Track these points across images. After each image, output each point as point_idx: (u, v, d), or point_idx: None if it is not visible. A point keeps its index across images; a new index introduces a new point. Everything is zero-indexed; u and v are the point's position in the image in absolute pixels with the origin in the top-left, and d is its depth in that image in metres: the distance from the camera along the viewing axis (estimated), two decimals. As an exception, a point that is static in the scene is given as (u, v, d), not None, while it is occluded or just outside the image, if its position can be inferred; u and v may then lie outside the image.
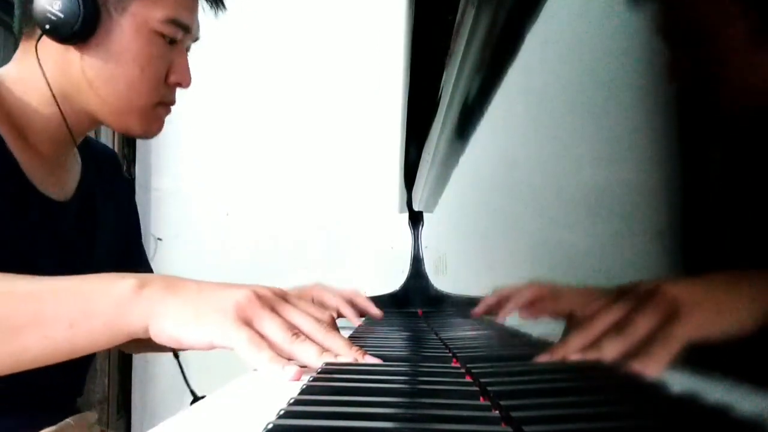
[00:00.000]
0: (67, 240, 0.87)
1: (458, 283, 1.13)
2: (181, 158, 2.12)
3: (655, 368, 0.31)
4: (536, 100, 0.61)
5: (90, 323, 0.57)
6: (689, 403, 0.28)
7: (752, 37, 0.24)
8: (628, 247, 0.38)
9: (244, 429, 0.39)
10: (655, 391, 0.31)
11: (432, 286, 1.30)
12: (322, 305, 0.98)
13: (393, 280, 1.33)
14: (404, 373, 0.52)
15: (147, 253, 1.16)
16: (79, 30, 0.78)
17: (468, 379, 0.48)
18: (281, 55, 2.09)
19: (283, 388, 0.48)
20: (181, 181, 2.13)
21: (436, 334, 0.82)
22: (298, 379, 0.52)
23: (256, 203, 2.10)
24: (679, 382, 0.29)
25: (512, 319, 0.73)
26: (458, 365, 0.55)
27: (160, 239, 2.10)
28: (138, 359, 2.07)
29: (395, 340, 0.81)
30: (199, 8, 0.89)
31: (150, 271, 1.14)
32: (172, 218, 2.12)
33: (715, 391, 0.26)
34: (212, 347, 0.57)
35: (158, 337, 0.57)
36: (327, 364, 0.53)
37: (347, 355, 0.56)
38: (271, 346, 0.55)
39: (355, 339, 0.76)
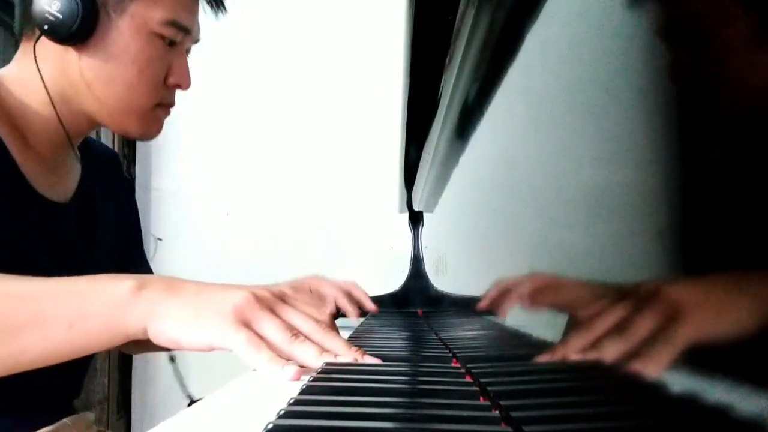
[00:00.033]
0: (66, 241, 0.86)
1: (458, 283, 1.13)
2: (181, 158, 2.12)
3: (655, 369, 0.31)
4: (536, 101, 0.61)
5: (89, 324, 0.57)
6: (689, 403, 0.28)
7: (752, 37, 0.24)
8: (628, 247, 0.38)
9: (244, 429, 0.39)
10: (655, 391, 0.31)
11: (432, 286, 1.30)
12: (319, 296, 0.98)
13: (393, 280, 1.32)
14: (404, 373, 0.52)
15: (147, 253, 1.16)
16: (78, 31, 0.78)
17: (468, 379, 0.48)
18: (281, 56, 2.09)
19: (282, 388, 0.48)
20: (181, 181, 2.13)
21: (436, 334, 0.82)
22: (298, 379, 0.52)
23: (256, 203, 2.10)
24: (679, 382, 0.29)
25: (512, 319, 0.73)
26: (458, 365, 0.55)
27: (160, 239, 2.10)
28: (138, 359, 2.07)
29: (395, 340, 0.81)
30: (200, 10, 0.89)
31: (150, 271, 1.14)
32: (172, 218, 2.12)
33: (715, 391, 0.26)
34: (211, 349, 0.57)
35: (157, 339, 0.57)
36: (327, 364, 0.53)
37: (346, 355, 0.56)
38: (271, 347, 0.55)
39: (355, 339, 0.76)
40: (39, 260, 0.81)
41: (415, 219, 1.39)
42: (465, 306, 1.04)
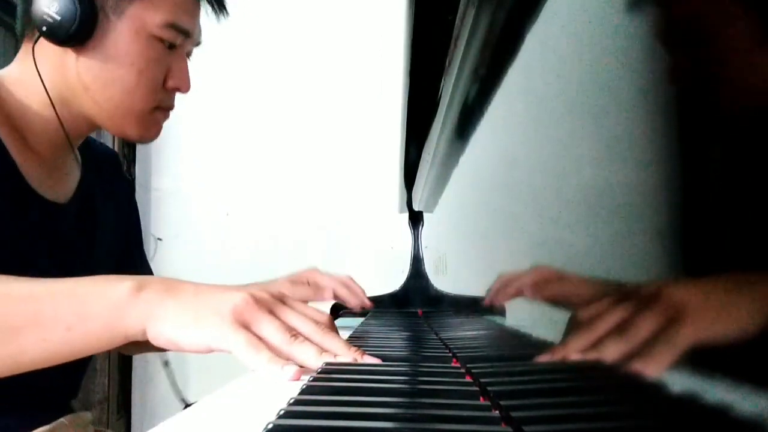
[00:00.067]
0: (66, 242, 0.86)
1: (458, 283, 1.13)
2: (181, 158, 2.12)
3: (655, 370, 0.31)
4: (536, 101, 0.61)
5: (87, 325, 0.57)
6: (689, 403, 0.28)
7: (752, 37, 0.24)
8: (628, 247, 0.38)
9: (244, 429, 0.39)
10: (655, 391, 0.31)
11: (432, 286, 1.30)
12: (317, 288, 0.99)
13: (393, 280, 1.32)
14: (404, 373, 0.52)
15: (147, 253, 1.16)
16: (76, 33, 0.77)
17: (468, 379, 0.48)
18: (281, 56, 2.09)
19: (282, 388, 0.48)
20: (181, 181, 2.13)
21: (436, 334, 0.82)
22: (298, 379, 0.52)
23: (256, 203, 2.10)
24: (679, 382, 0.29)
25: (512, 319, 0.73)
26: (458, 365, 0.55)
27: (160, 239, 2.10)
28: (138, 359, 2.07)
29: (395, 340, 0.81)
30: (202, 12, 0.88)
31: (150, 271, 1.14)
32: (172, 218, 2.12)
33: (715, 391, 0.26)
34: (210, 351, 0.57)
35: (156, 340, 0.57)
36: (327, 364, 0.53)
37: (346, 355, 0.56)
38: (270, 348, 0.55)
39: (355, 339, 0.76)
40: (39, 261, 0.81)
41: (415, 219, 1.39)
42: (465, 306, 1.05)
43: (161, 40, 0.82)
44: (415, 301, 1.29)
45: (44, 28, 0.77)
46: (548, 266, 0.57)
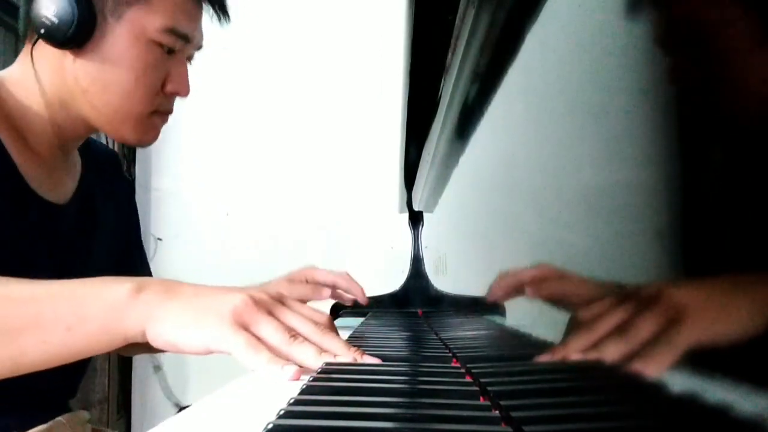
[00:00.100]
0: (65, 242, 0.86)
1: (458, 283, 1.13)
2: (181, 158, 2.12)
3: (655, 371, 0.31)
4: (536, 101, 0.61)
5: (87, 327, 0.57)
6: (689, 403, 0.28)
7: (752, 37, 0.24)
8: (628, 247, 0.38)
9: (244, 429, 0.39)
10: (655, 391, 0.31)
11: (432, 286, 1.30)
12: (315, 284, 0.99)
13: (393, 280, 1.32)
14: (404, 373, 0.52)
15: (147, 253, 1.16)
16: (73, 35, 0.77)
17: (468, 379, 0.48)
18: (281, 55, 2.09)
19: (282, 388, 0.48)
20: (181, 181, 2.13)
21: (436, 334, 0.82)
22: (297, 379, 0.52)
23: (256, 203, 2.10)
24: (679, 382, 0.29)
25: (512, 319, 0.73)
26: (458, 365, 0.55)
27: (160, 239, 2.10)
28: (138, 359, 2.07)
29: (395, 340, 0.81)
30: (205, 16, 0.88)
31: (149, 272, 1.14)
32: (172, 218, 2.12)
33: (715, 391, 0.26)
34: (209, 352, 0.57)
35: (155, 342, 0.57)
36: (327, 364, 0.53)
37: (346, 355, 0.56)
38: (269, 348, 0.55)
39: (355, 339, 0.76)
40: (38, 262, 0.81)
41: (415, 219, 1.39)
42: (465, 306, 1.05)
43: (160, 44, 0.82)
44: (415, 301, 1.29)
45: (42, 31, 0.77)
46: (550, 264, 0.57)
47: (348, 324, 0.99)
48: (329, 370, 0.51)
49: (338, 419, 0.35)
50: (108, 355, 1.97)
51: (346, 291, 1.02)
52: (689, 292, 0.30)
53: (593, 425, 0.33)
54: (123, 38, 0.80)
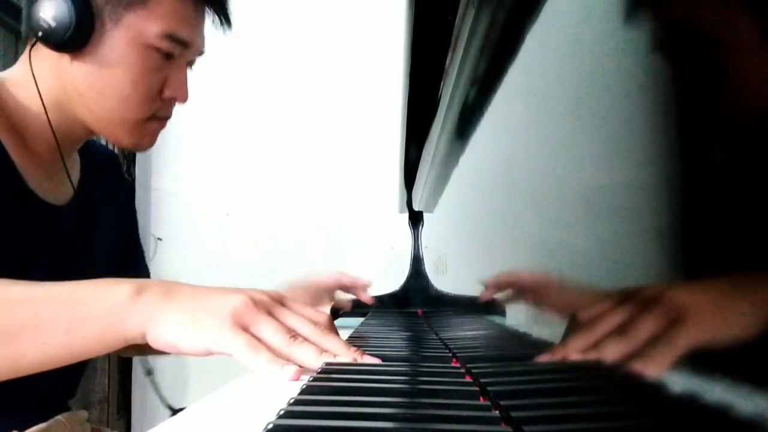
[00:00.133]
0: (65, 243, 0.86)
1: (458, 283, 1.13)
2: (181, 158, 2.12)
3: (655, 371, 0.31)
4: (536, 101, 0.61)
5: (87, 329, 0.57)
6: (689, 403, 0.28)
7: (752, 37, 0.24)
8: (628, 247, 0.38)
9: (244, 429, 0.39)
10: (655, 391, 0.31)
11: (432, 286, 1.30)
12: (317, 287, 0.99)
13: (393, 280, 1.33)
14: (404, 373, 0.52)
15: (147, 253, 1.16)
16: (71, 39, 0.77)
17: (468, 379, 0.48)
18: (281, 56, 2.09)
19: (282, 388, 0.48)
20: (181, 181, 2.13)
21: (436, 334, 0.82)
22: (297, 379, 0.52)
23: (256, 203, 2.10)
24: (679, 382, 0.29)
25: (512, 319, 0.73)
26: (458, 365, 0.55)
27: (160, 239, 2.10)
28: (138, 359, 2.07)
29: (395, 340, 0.81)
30: (207, 20, 0.87)
31: (148, 273, 1.14)
32: (172, 218, 2.12)
33: (715, 391, 0.26)
34: (209, 353, 0.57)
35: (155, 343, 0.57)
36: (327, 364, 0.53)
37: (345, 355, 0.56)
38: (269, 349, 0.55)
39: (355, 339, 0.77)
40: (38, 263, 0.81)
41: (415, 219, 1.39)
42: (465, 306, 1.05)
43: (158, 49, 0.81)
44: (415, 301, 1.29)
45: (40, 33, 0.77)
46: (549, 273, 0.56)
47: (348, 324, 0.99)
48: (329, 370, 0.51)
49: (338, 419, 0.35)
50: (108, 356, 1.97)
51: (351, 286, 1.02)
52: (689, 293, 0.30)
53: (593, 425, 0.33)
54: (120, 43, 0.79)
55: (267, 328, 0.57)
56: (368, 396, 0.42)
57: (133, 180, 2.09)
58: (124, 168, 1.94)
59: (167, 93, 0.84)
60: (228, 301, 0.57)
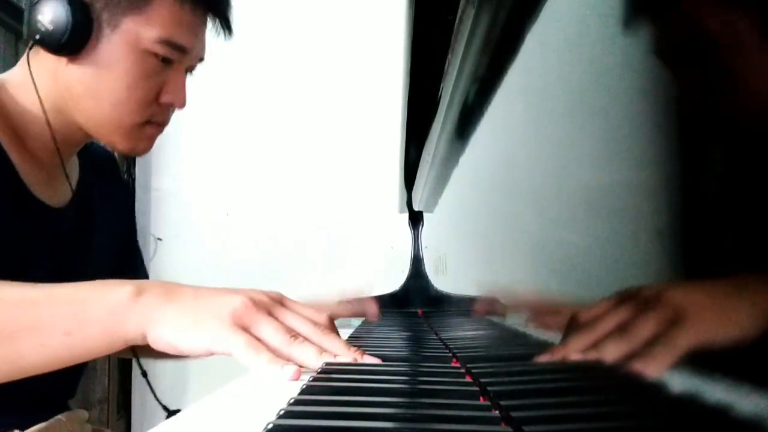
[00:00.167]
0: (64, 245, 0.86)
1: (458, 283, 1.13)
2: (181, 158, 2.12)
3: (655, 371, 0.31)
4: (536, 101, 0.61)
5: (87, 330, 0.57)
6: (689, 403, 0.28)
7: (752, 37, 0.24)
8: (628, 247, 0.38)
9: (244, 429, 0.39)
10: (655, 391, 0.31)
11: (432, 286, 1.30)
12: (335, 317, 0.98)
13: (393, 280, 1.32)
14: (404, 373, 0.52)
15: (147, 253, 1.17)
16: (67, 42, 0.77)
17: (468, 379, 0.48)
18: (281, 56, 2.09)
19: (282, 388, 0.48)
20: (181, 181, 2.13)
21: (436, 334, 0.82)
22: (298, 379, 0.52)
23: (256, 203, 2.10)
24: (679, 382, 0.29)
25: (512, 319, 0.73)
26: (458, 365, 0.55)
27: (160, 239, 2.10)
28: (134, 360, 2.07)
29: (395, 340, 0.81)
30: (209, 26, 0.87)
31: (146, 274, 1.14)
32: (172, 218, 2.12)
33: (715, 391, 0.26)
34: (210, 354, 0.57)
35: (156, 344, 0.57)
36: (327, 364, 0.53)
37: (346, 355, 0.56)
38: (269, 349, 0.55)
39: (355, 339, 0.77)
40: (37, 264, 0.81)
41: (415, 219, 1.39)
42: (465, 306, 1.04)
43: (155, 54, 0.80)
44: (415, 301, 1.29)
45: (38, 36, 0.77)
46: (546, 298, 0.57)
47: (348, 324, 0.99)
48: (329, 370, 0.51)
49: (338, 419, 0.35)
50: (108, 356, 1.97)
51: (362, 314, 1.00)
52: (689, 293, 0.30)
53: (593, 425, 0.33)
54: (117, 47, 0.79)
55: (267, 328, 0.57)
56: (368, 396, 0.42)
57: (133, 180, 2.09)
58: (124, 168, 1.94)
59: (164, 98, 0.84)
60: (228, 301, 0.57)
